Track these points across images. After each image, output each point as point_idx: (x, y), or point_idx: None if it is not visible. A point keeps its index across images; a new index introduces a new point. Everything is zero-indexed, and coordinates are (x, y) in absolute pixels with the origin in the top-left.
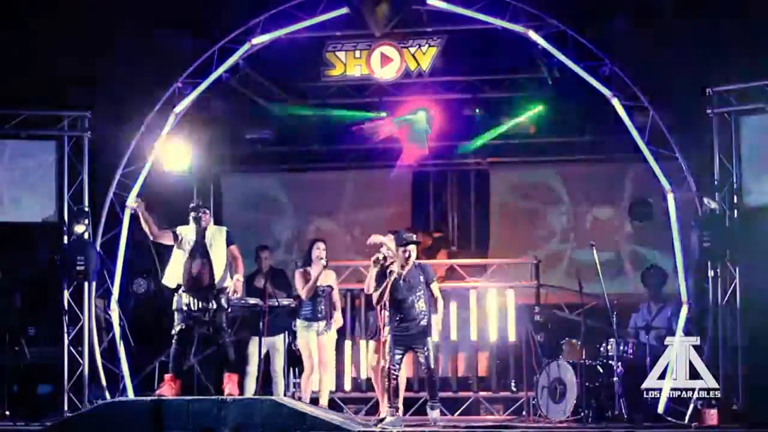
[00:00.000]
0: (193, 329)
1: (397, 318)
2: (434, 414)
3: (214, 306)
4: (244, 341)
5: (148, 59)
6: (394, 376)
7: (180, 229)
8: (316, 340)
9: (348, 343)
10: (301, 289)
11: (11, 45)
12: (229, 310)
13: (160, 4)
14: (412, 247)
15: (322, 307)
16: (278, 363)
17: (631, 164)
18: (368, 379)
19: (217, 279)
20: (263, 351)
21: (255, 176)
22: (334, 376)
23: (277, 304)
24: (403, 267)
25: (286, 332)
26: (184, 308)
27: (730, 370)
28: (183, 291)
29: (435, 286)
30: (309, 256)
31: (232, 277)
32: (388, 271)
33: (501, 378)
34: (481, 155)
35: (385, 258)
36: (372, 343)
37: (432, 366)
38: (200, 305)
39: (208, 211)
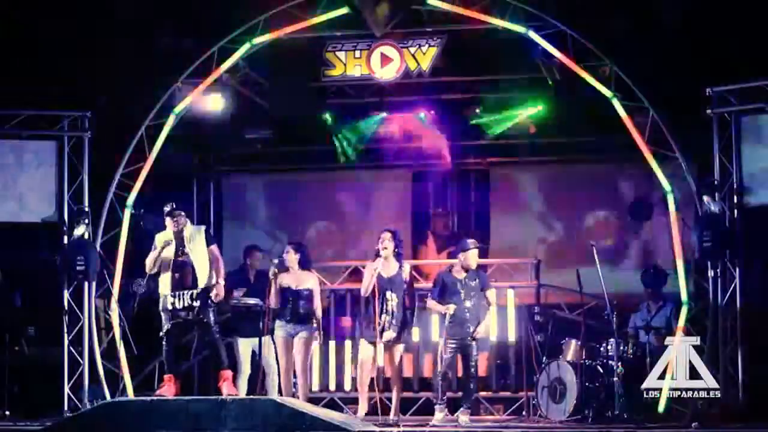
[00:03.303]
0: (180, 328)
1: (451, 321)
2: (464, 418)
3: (198, 304)
4: (231, 343)
5: (148, 59)
6: (445, 376)
7: (159, 240)
8: (288, 343)
9: (348, 343)
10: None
11: (11, 45)
12: (215, 308)
13: (160, 4)
14: (472, 253)
15: (300, 310)
16: (272, 362)
17: (631, 164)
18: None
19: (200, 278)
20: (250, 351)
21: (255, 176)
22: (307, 379)
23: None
24: (463, 271)
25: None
26: (170, 308)
27: (730, 370)
28: (169, 292)
29: (491, 293)
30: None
31: (216, 276)
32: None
33: (501, 378)
34: (481, 155)
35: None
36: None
37: (474, 372)
38: (184, 304)
39: (182, 213)
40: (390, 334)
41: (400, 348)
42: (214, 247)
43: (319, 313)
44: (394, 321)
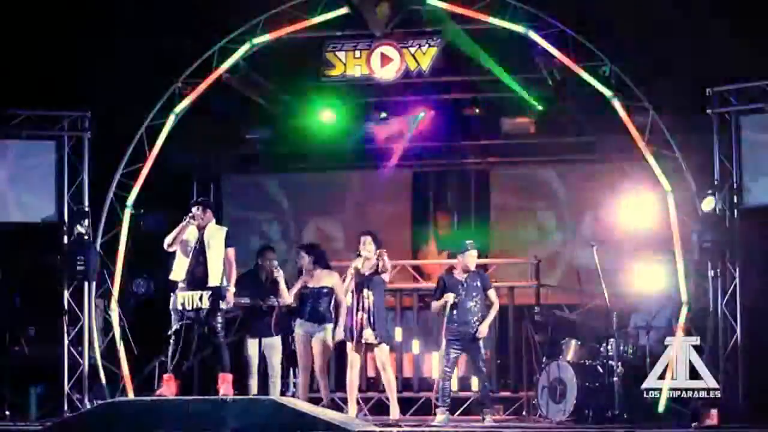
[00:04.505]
0: (188, 329)
1: (454, 321)
2: (489, 418)
3: (208, 306)
4: (242, 342)
5: (148, 59)
6: (449, 377)
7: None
8: (307, 342)
9: (348, 344)
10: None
11: (12, 45)
12: (225, 310)
13: (160, 4)
14: (470, 254)
15: (320, 309)
16: (276, 363)
17: (631, 164)
18: (368, 379)
19: (212, 278)
20: (260, 351)
21: (255, 176)
22: (326, 379)
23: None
24: (464, 272)
25: (287, 333)
26: (179, 308)
27: (730, 370)
28: (179, 290)
29: (492, 293)
30: None
31: (227, 281)
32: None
33: (501, 378)
34: (482, 155)
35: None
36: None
37: (485, 372)
38: (194, 305)
39: (202, 208)
40: (369, 333)
41: (385, 349)
42: (230, 251)
43: (342, 310)
44: (371, 319)
